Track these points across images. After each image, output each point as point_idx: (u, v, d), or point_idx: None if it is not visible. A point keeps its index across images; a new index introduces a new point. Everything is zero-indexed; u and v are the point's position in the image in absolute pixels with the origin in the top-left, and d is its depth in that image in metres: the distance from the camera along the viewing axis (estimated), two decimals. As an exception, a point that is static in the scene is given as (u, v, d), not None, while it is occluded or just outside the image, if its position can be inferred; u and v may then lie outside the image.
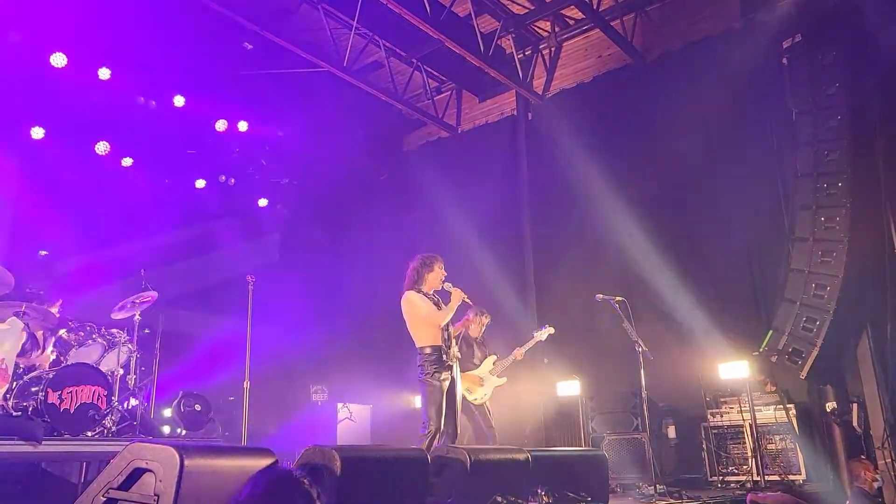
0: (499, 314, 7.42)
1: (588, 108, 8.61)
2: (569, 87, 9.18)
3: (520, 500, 3.95)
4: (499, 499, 3.78)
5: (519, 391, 8.01)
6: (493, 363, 6.79)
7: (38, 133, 8.04)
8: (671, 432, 7.24)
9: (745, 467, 6.55)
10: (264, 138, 9.63)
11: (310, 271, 9.53)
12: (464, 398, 6.62)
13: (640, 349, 5.75)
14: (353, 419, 8.18)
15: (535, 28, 9.20)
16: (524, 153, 9.29)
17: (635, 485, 6.27)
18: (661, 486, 5.76)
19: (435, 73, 9.98)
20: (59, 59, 7.60)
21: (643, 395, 5.83)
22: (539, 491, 4.11)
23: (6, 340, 5.45)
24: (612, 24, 8.33)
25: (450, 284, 5.37)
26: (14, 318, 5.64)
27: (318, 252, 9.89)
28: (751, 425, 6.53)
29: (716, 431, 6.83)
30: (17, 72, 7.39)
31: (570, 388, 7.62)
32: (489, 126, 9.96)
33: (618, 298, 5.97)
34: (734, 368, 6.69)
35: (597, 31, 8.68)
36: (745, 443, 6.62)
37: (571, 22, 9.05)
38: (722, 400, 6.92)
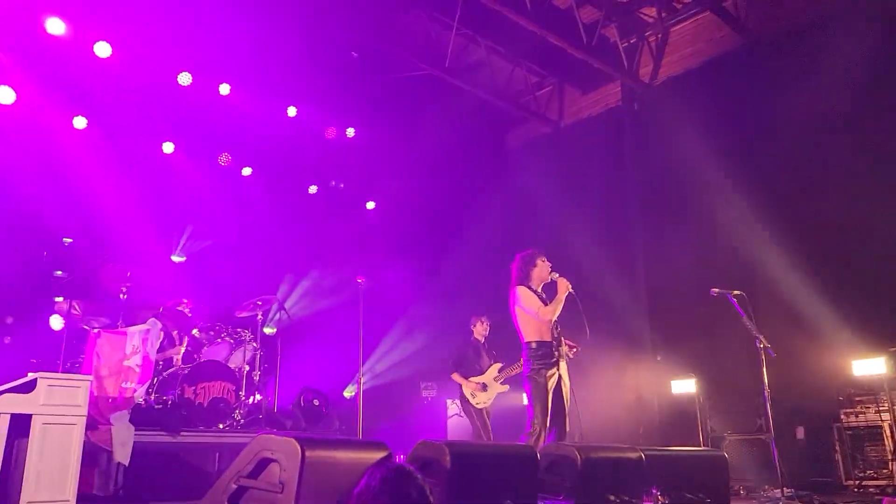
0: (608, 313, 7.28)
1: (698, 95, 8.26)
2: (677, 73, 8.86)
3: (634, 500, 3.87)
4: (612, 497, 3.71)
5: (631, 390, 7.83)
6: (498, 370, 6.85)
7: (168, 148, 8.70)
8: (799, 433, 6.83)
9: (884, 471, 6.08)
10: (370, 143, 9.92)
11: (417, 271, 9.73)
12: (467, 401, 6.89)
13: (762, 345, 5.45)
14: (462, 416, 8.28)
15: (641, 14, 8.93)
16: (631, 145, 9.04)
17: (759, 488, 5.97)
18: (789, 490, 5.44)
19: (536, 68, 9.91)
20: (185, 78, 8.18)
21: (766, 394, 5.52)
22: (654, 491, 4.00)
23: (148, 340, 5.93)
24: (722, 3, 7.96)
25: (556, 274, 5.30)
26: (153, 318, 6.13)
27: (424, 252, 10.07)
28: (890, 426, 6.06)
29: (850, 432, 6.38)
30: (151, 91, 8.02)
31: (685, 386, 7.38)
32: (593, 119, 9.77)
33: (735, 292, 5.68)
34: (871, 365, 6.25)
35: (706, 14, 8.32)
36: (884, 444, 6.15)
37: (679, 6, 8.72)
38: (857, 399, 6.45)
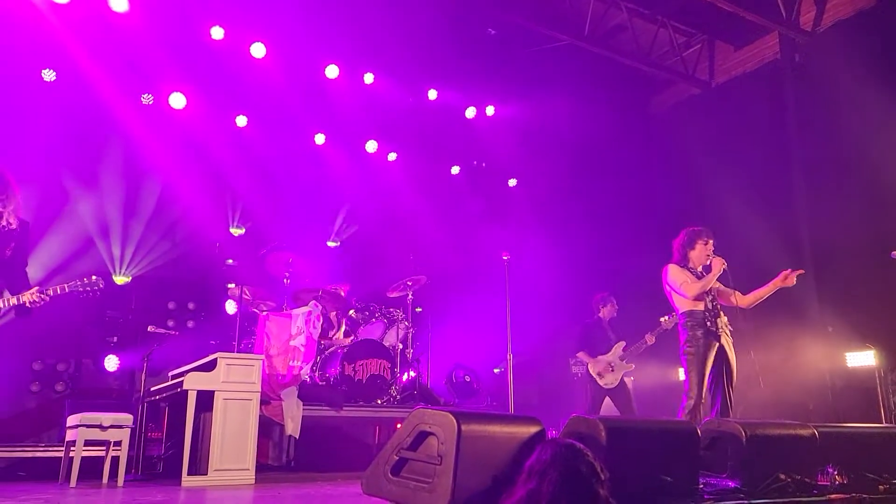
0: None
1: (873, 39, 7.37)
2: (845, 17, 7.96)
3: (807, 479, 3.59)
4: (782, 476, 3.47)
5: (799, 363, 7.26)
6: (623, 349, 6.79)
7: (320, 139, 9.19)
8: None
9: None
10: (511, 120, 9.88)
11: (563, 245, 9.59)
12: (593, 380, 6.84)
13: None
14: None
15: (799, -45, 8.12)
16: (792, 100, 8.27)
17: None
18: None
19: (682, 27, 9.34)
20: (332, 71, 8.57)
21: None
22: (830, 470, 3.69)
23: (310, 321, 6.33)
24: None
25: (716, 257, 5.15)
26: (314, 301, 6.54)
27: (571, 225, 9.89)
28: None
29: None
30: (302, 86, 8.49)
31: (863, 358, 6.75)
32: (747, 76, 9.05)
33: (920, 254, 5.09)
34: None
35: (879, -55, 7.40)
36: None
37: (845, -60, 7.83)
38: None
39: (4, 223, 4.49)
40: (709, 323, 4.99)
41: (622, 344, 6.90)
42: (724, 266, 5.06)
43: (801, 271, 5.25)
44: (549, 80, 9.26)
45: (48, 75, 7.42)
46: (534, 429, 3.38)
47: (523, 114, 9.73)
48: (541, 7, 8.27)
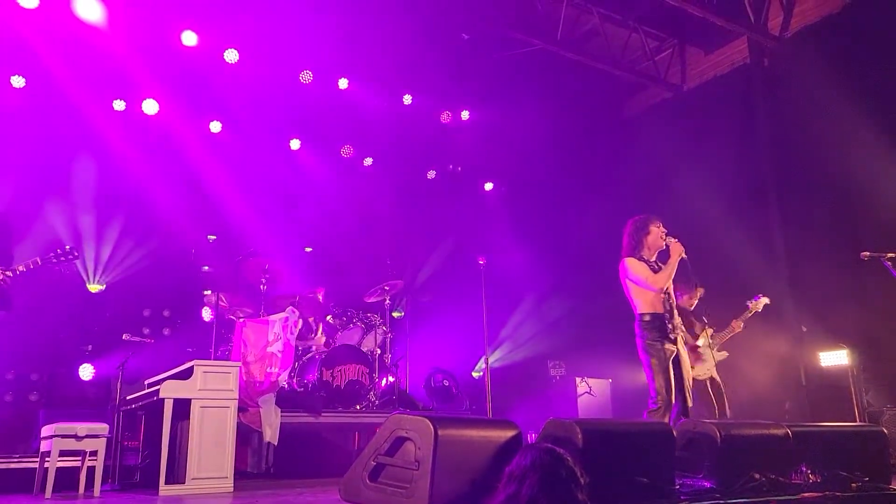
0: (744, 284, 6.90)
1: (840, 44, 7.54)
2: (812, 22, 8.13)
3: (781, 478, 3.66)
4: (757, 476, 3.54)
5: (773, 363, 7.40)
6: (711, 336, 6.36)
7: (295, 144, 9.16)
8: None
9: None
10: (485, 124, 9.92)
11: (539, 249, 9.66)
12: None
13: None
14: (592, 394, 8.18)
15: (766, -39, 8.28)
16: (763, 103, 8.43)
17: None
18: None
19: (654, 31, 9.47)
20: (306, 76, 8.55)
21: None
22: (804, 469, 3.76)
23: (287, 327, 6.31)
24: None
25: (671, 239, 4.95)
26: (291, 307, 6.51)
27: (546, 229, 9.98)
28: None
29: None
30: (276, 92, 8.46)
31: (836, 358, 6.87)
32: (718, 80, 9.20)
33: (890, 255, 5.20)
34: None
35: (843, -48, 7.58)
36: None
37: (810, -54, 8.00)
38: None
39: None
40: (669, 326, 4.81)
41: (710, 331, 6.40)
42: (682, 251, 4.87)
43: None
44: (523, 85, 9.34)
45: (17, 81, 7.30)
46: (510, 433, 3.41)
47: (498, 118, 9.79)
48: (513, 12, 8.34)
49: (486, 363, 6.28)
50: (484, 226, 9.88)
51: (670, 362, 4.80)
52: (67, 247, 4.35)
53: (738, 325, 6.42)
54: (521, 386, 8.88)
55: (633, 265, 4.95)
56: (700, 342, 6.31)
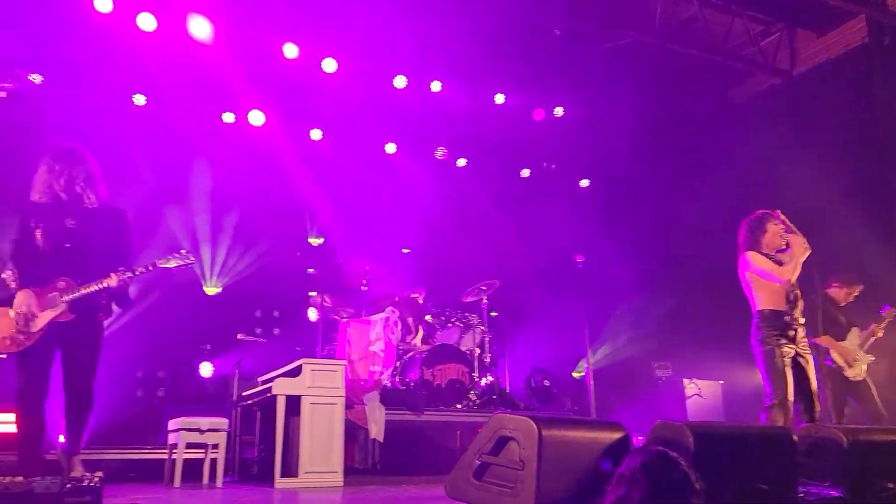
0: (868, 278, 6.43)
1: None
2: (939, -7, 7.51)
3: (917, 489, 3.40)
4: (891, 485, 3.29)
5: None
6: (858, 335, 5.99)
7: (391, 148, 9.37)
8: None
9: None
10: (580, 119, 9.77)
11: (641, 245, 9.41)
12: (840, 373, 5.98)
13: None
14: (702, 396, 7.87)
15: (885, -67, 7.71)
16: (881, 87, 7.85)
17: None
18: None
19: (759, 15, 9.00)
20: (400, 81, 8.72)
21: None
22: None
23: (388, 327, 6.46)
24: None
25: (791, 236, 4.71)
26: (391, 307, 6.67)
27: (649, 224, 9.70)
28: None
29: None
30: (371, 98, 8.68)
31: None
32: (831, 63, 8.64)
33: None
34: None
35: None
36: None
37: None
38: None
39: (86, 201, 4.18)
40: (788, 321, 4.61)
41: (856, 330, 6.06)
42: (806, 248, 4.64)
43: None
44: (618, 78, 9.12)
45: (139, 100, 7.86)
46: (617, 434, 3.35)
47: (593, 113, 9.62)
48: (607, 6, 8.17)
49: (588, 363, 6.18)
50: (581, 223, 9.72)
51: (787, 361, 4.57)
52: (183, 250, 4.32)
53: (878, 330, 6.03)
54: (625, 387, 8.67)
55: (755, 258, 4.77)
56: (850, 341, 5.95)
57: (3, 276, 4.10)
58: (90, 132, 6.35)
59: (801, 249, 4.66)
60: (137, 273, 4.09)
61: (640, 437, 4.94)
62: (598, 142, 9.82)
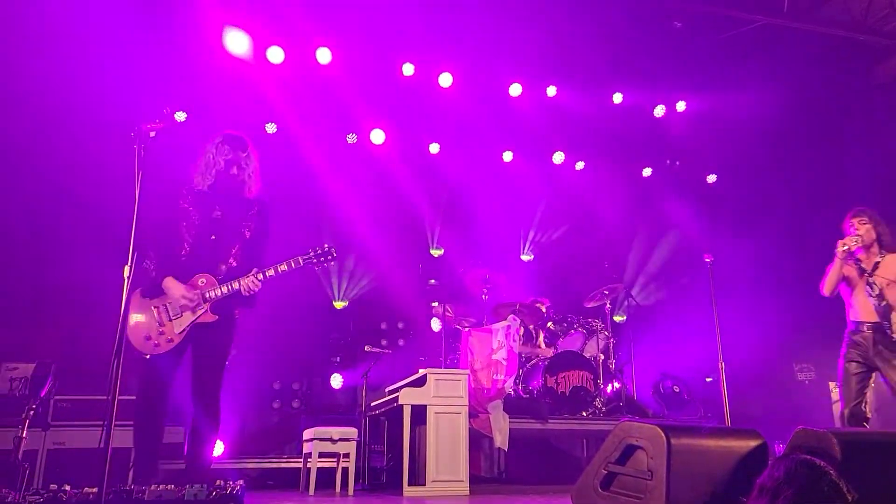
0: None
1: None
2: None
3: None
4: None
5: None
6: None
7: (508, 156, 9.39)
8: None
9: None
10: (705, 113, 9.33)
11: (772, 241, 8.80)
12: None
13: None
14: (852, 401, 7.21)
15: None
16: None
17: None
18: None
19: (903, -17, 8.21)
20: (515, 89, 8.74)
21: None
22: None
23: (510, 335, 6.47)
24: None
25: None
26: (512, 315, 6.67)
27: (782, 219, 9.06)
28: None
29: None
30: (486, 106, 8.75)
31: None
32: None
33: None
34: None
35: None
36: None
37: None
38: None
39: (246, 191, 3.99)
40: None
41: None
42: (841, 249, 4.72)
43: None
44: (745, 66, 8.62)
45: (270, 128, 8.40)
46: (753, 443, 3.18)
47: (718, 105, 9.14)
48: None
49: (721, 367, 5.85)
50: (708, 221, 9.26)
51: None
52: (326, 245, 3.93)
53: None
54: (764, 392, 8.11)
55: None
56: None
57: (144, 265, 3.75)
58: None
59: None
60: (280, 271, 3.79)
61: (780, 445, 4.63)
62: (726, 134, 9.32)
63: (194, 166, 3.93)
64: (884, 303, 4.60)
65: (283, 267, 3.82)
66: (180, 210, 3.82)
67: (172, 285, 3.69)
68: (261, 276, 3.75)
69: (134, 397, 3.76)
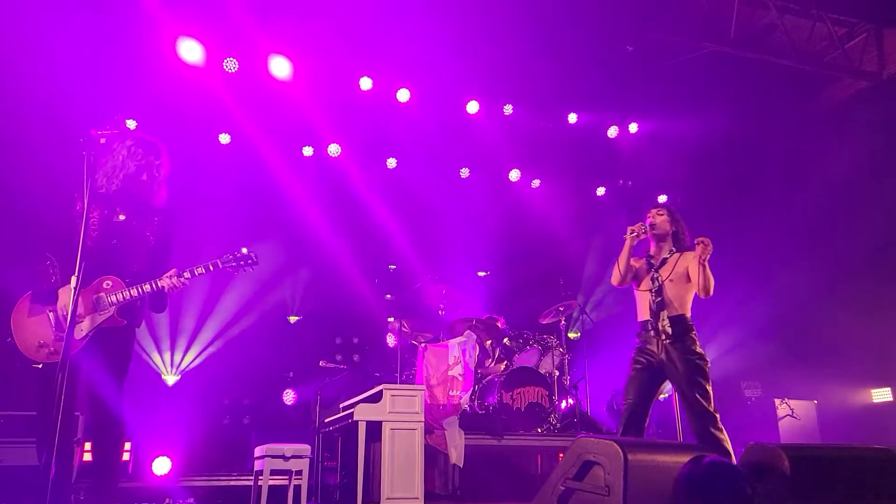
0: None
1: None
2: None
3: None
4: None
5: None
6: None
7: (465, 173, 9.45)
8: None
9: None
10: (656, 135, 9.58)
11: (722, 259, 9.04)
12: None
13: None
14: (795, 416, 7.45)
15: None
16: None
17: None
18: None
19: (841, 17, 8.61)
20: (473, 107, 8.82)
21: None
22: None
23: (466, 351, 6.46)
24: None
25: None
26: (468, 331, 6.67)
27: (730, 240, 9.33)
28: None
29: None
30: (443, 123, 8.80)
31: None
32: (925, 61, 8.16)
33: None
34: None
35: None
36: None
37: None
38: None
39: (154, 199, 3.87)
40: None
41: None
42: (633, 233, 4.67)
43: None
44: (695, 91, 8.90)
45: (224, 138, 8.26)
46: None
47: (669, 128, 9.41)
48: (679, 18, 8.01)
49: (671, 386, 5.96)
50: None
51: None
52: (245, 250, 3.87)
53: None
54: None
55: None
56: None
57: (47, 265, 3.62)
58: (178, 171, 6.69)
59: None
60: (196, 274, 3.72)
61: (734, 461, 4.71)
62: (677, 156, 9.57)
63: (98, 165, 3.64)
64: (658, 299, 4.53)
65: (200, 270, 3.75)
66: (76, 211, 3.60)
67: (71, 289, 3.32)
68: (187, 275, 3.70)
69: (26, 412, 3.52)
